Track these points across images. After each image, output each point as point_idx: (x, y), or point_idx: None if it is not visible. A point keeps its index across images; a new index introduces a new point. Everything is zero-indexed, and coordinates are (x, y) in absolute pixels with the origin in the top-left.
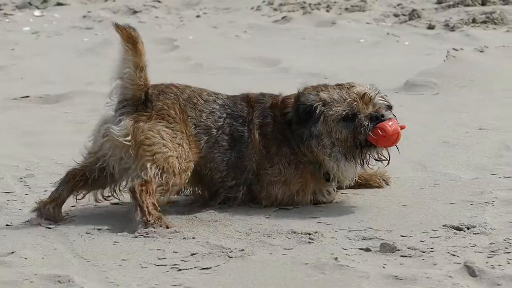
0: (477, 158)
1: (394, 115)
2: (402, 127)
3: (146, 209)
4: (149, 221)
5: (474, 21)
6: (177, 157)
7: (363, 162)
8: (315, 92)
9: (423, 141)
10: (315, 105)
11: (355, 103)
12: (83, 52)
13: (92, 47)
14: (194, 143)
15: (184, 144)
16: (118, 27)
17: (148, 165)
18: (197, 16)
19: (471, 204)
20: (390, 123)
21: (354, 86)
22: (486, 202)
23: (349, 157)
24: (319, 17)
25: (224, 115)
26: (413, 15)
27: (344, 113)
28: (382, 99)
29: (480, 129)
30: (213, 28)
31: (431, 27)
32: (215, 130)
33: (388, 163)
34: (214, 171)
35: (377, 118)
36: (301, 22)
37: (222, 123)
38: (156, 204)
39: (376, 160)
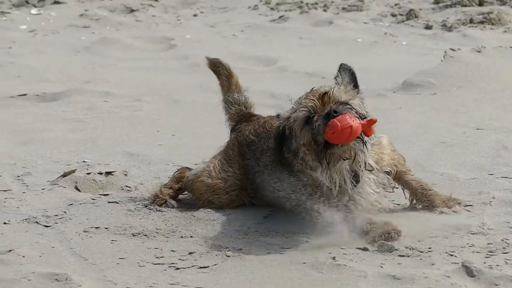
0: (475, 158)
1: (354, 109)
2: (371, 122)
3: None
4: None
5: (471, 21)
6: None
7: (334, 163)
8: (277, 118)
9: (421, 141)
10: (281, 126)
11: (312, 104)
12: (80, 50)
13: (89, 46)
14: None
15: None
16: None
17: None
18: (194, 15)
19: (469, 204)
20: (342, 118)
21: (317, 88)
22: (484, 203)
23: (322, 161)
24: (316, 17)
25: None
26: (411, 15)
27: (303, 117)
28: (345, 93)
29: (477, 129)
30: (210, 27)
31: (428, 27)
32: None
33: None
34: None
35: (328, 116)
36: (298, 22)
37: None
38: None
39: (344, 159)
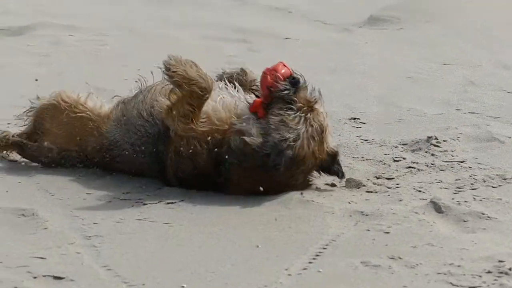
0: (441, 94)
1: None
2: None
3: None
4: None
5: None
6: None
7: None
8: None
9: (387, 77)
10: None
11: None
12: None
13: None
14: None
15: None
16: None
17: None
18: None
19: (437, 140)
20: (280, 67)
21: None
22: (452, 138)
23: None
24: None
25: None
26: None
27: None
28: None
29: (444, 64)
30: None
31: None
32: None
33: None
34: None
35: (295, 83)
36: None
37: None
38: None
39: None
